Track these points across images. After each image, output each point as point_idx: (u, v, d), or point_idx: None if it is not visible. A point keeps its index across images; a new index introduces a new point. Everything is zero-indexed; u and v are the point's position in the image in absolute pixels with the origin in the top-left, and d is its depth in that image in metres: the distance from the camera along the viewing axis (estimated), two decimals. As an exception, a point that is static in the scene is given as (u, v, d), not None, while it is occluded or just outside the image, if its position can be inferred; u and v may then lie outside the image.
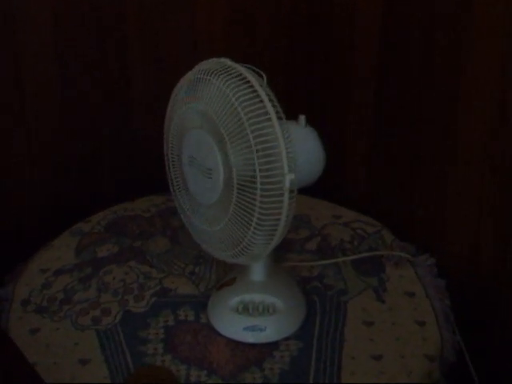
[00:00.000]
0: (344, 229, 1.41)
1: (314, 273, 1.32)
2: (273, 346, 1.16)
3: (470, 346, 1.25)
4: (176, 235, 1.41)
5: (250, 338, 1.16)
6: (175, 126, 1.11)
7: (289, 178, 0.95)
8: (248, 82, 1.00)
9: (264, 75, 0.99)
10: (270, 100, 0.98)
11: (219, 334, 1.18)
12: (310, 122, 1.10)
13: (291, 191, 0.97)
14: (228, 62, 1.04)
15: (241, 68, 1.02)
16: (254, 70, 1.01)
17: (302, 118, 1.07)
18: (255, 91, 0.99)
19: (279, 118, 0.98)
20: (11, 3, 1.33)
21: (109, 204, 1.51)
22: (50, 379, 1.08)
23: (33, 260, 1.36)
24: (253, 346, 1.16)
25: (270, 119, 0.97)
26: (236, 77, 1.01)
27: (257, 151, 0.96)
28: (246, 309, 1.17)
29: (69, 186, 1.53)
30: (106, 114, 1.53)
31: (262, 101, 0.98)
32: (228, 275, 1.26)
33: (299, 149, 1.00)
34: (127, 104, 1.55)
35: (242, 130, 0.98)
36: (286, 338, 1.17)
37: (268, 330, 1.16)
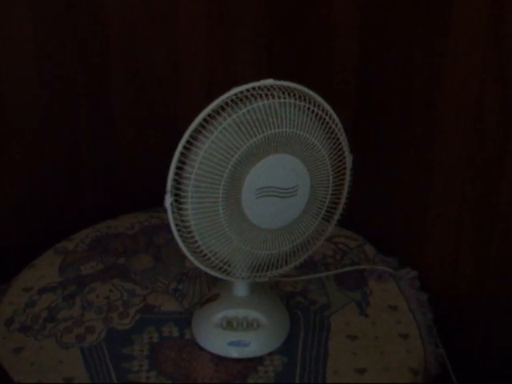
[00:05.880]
0: (326, 243, 1.42)
1: (297, 288, 1.33)
2: (257, 361, 1.17)
3: (452, 358, 1.26)
4: (159, 252, 1.41)
5: (234, 353, 1.17)
6: (242, 157, 1.03)
7: (351, 158, 1.13)
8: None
9: None
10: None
11: (204, 350, 1.18)
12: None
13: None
14: (284, 82, 1.04)
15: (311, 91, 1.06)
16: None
17: None
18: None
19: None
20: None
21: (92, 222, 1.51)
22: (35, 398, 1.08)
23: (16, 279, 1.35)
24: (237, 361, 1.16)
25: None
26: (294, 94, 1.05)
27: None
28: (230, 324, 1.18)
29: (52, 204, 1.52)
30: (88, 130, 1.53)
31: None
32: (211, 291, 1.26)
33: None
34: (110, 120, 1.56)
35: (336, 146, 1.10)
36: (271, 353, 1.18)
37: (252, 345, 1.17)
